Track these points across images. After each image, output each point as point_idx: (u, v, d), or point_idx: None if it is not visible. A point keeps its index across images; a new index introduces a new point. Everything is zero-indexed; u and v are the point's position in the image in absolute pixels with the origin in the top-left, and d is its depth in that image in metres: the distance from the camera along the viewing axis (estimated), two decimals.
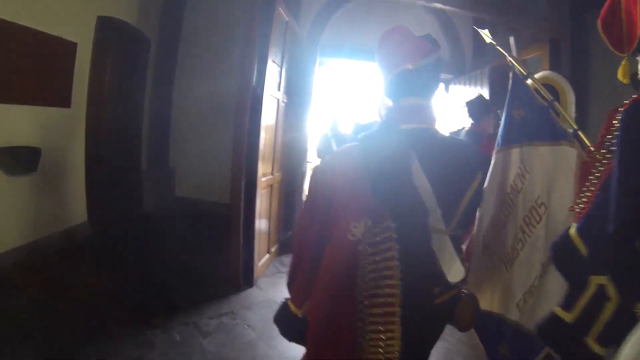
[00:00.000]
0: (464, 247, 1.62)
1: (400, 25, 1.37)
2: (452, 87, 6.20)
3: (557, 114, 1.85)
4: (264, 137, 3.71)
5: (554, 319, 1.17)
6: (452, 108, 5.78)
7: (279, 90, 4.14)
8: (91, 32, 4.50)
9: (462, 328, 1.42)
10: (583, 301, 1.11)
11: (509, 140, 1.93)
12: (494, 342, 1.91)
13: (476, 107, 3.48)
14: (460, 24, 5.96)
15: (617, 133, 1.16)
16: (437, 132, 1.34)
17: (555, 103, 1.88)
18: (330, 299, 1.24)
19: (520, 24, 4.41)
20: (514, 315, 1.80)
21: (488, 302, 1.92)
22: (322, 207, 1.27)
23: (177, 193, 6.39)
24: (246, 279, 3.82)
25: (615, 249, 1.06)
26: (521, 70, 1.96)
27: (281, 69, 4.14)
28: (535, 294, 1.73)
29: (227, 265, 3.76)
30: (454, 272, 1.26)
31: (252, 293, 3.78)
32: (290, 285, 1.43)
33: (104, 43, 4.68)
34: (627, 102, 1.16)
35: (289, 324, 1.41)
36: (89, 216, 4.75)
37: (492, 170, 1.93)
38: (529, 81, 1.92)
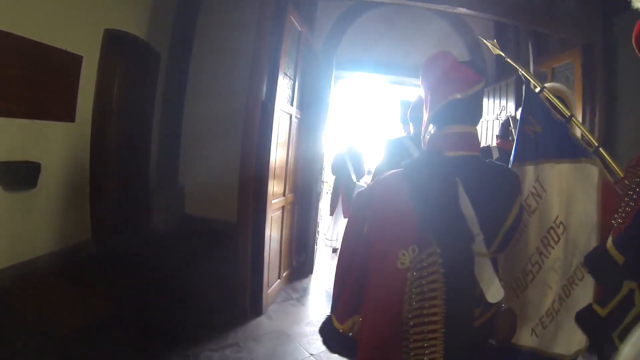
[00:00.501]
0: None
1: (444, 50, 1.38)
2: None
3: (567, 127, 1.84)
4: (275, 155, 3.44)
5: (590, 311, 1.31)
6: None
7: (291, 105, 3.88)
8: (98, 45, 4.35)
9: (500, 341, 1.43)
10: (616, 301, 1.21)
11: (523, 157, 1.88)
12: None
13: (507, 125, 3.41)
14: (480, 31, 5.63)
15: None
16: (480, 158, 1.34)
17: (574, 118, 1.85)
18: (378, 322, 1.28)
19: (549, 29, 4.09)
20: (529, 342, 1.78)
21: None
22: (369, 233, 1.29)
23: (186, 210, 6.18)
24: (254, 307, 3.53)
25: None
26: (536, 83, 1.91)
27: (294, 82, 3.88)
28: (558, 317, 1.72)
29: (234, 291, 3.50)
30: (493, 292, 1.27)
31: (261, 323, 3.49)
32: (334, 304, 1.47)
33: (111, 56, 4.53)
34: None
35: (332, 336, 1.46)
36: (93, 235, 4.55)
37: None
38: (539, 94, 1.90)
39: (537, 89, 1.88)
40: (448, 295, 1.19)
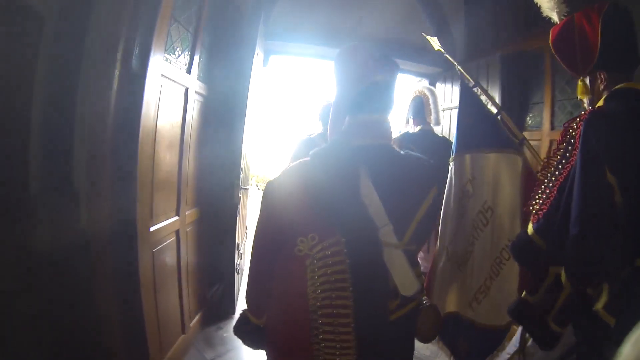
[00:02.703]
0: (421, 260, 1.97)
1: (360, 43, 1.36)
2: (439, 84, 4.88)
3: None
4: (154, 153, 2.10)
5: (522, 301, 1.46)
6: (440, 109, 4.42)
7: (189, 73, 2.52)
8: None
9: (424, 339, 1.40)
10: (544, 287, 1.35)
11: (463, 147, 2.11)
12: (452, 337, 2.11)
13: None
14: (449, 7, 4.62)
15: (572, 141, 1.37)
16: (392, 148, 1.34)
17: (503, 112, 2.14)
18: (283, 313, 1.28)
19: None
20: (469, 313, 2.04)
21: (453, 304, 2.11)
22: (274, 222, 1.29)
23: (82, 225, 4.62)
24: None
25: (575, 247, 1.21)
26: (469, 79, 2.19)
27: (195, 39, 2.54)
28: (490, 294, 1.98)
29: None
30: (407, 285, 1.24)
31: None
32: (248, 297, 1.41)
33: None
34: (584, 113, 1.37)
35: (250, 333, 1.40)
36: None
37: (449, 180, 2.13)
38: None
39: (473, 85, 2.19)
40: (356, 287, 1.18)
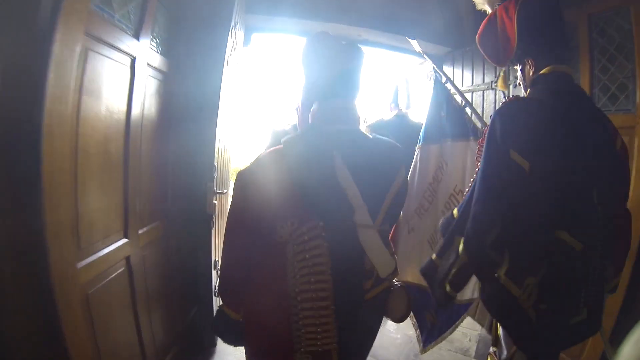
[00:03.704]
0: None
1: (325, 31, 1.37)
2: (446, 67, 4.26)
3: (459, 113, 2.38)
4: (76, 151, 1.42)
5: (431, 261, 1.54)
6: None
7: (137, 38, 1.80)
8: None
9: (397, 319, 1.44)
10: (448, 253, 1.45)
11: (429, 139, 2.36)
12: (422, 310, 2.28)
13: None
14: None
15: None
16: (360, 132, 1.36)
17: (467, 108, 2.46)
18: (263, 299, 1.26)
19: None
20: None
21: (415, 276, 2.17)
22: (249, 210, 1.26)
23: None
24: None
25: (472, 223, 1.35)
26: (443, 76, 2.46)
27: None
28: None
29: None
30: (384, 265, 1.28)
31: None
32: (223, 291, 1.41)
33: None
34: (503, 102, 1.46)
35: (229, 328, 1.37)
36: None
37: (414, 164, 2.35)
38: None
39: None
40: (335, 269, 1.19)
